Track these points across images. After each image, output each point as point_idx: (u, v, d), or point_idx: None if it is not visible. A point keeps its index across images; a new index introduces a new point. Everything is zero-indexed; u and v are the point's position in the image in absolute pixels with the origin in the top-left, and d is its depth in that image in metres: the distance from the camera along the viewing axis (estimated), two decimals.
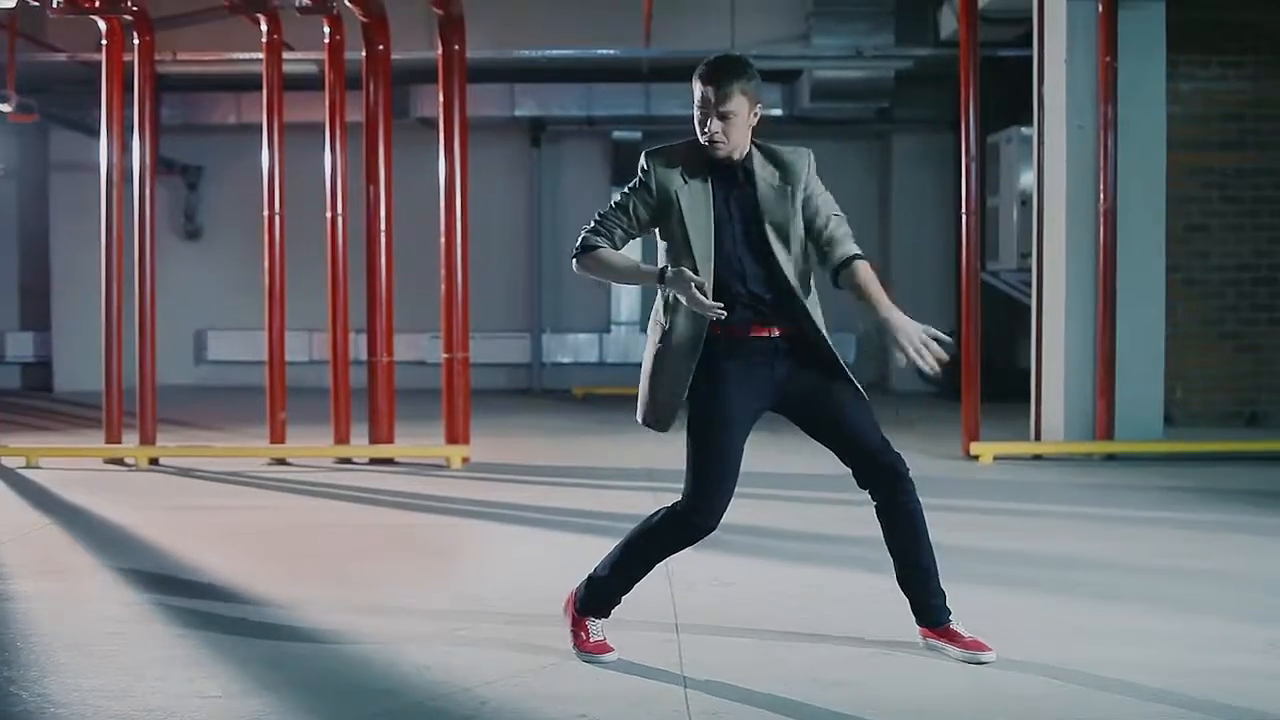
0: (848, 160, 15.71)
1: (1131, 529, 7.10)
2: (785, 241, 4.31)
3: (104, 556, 6.37)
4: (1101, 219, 9.62)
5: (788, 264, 4.30)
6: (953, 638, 4.50)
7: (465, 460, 9.42)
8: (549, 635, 4.82)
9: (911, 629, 4.65)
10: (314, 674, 4.44)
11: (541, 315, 16.41)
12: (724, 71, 4.25)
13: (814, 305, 4.38)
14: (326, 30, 9.66)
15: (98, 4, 9.41)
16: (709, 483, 4.36)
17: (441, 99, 9.60)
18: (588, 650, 4.52)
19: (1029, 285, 10.46)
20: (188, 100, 15.37)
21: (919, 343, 4.16)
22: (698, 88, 4.28)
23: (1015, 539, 6.72)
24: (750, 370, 4.33)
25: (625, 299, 16.37)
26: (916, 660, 4.52)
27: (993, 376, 11.18)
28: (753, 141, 4.35)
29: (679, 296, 4.19)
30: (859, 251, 4.36)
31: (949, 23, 12.94)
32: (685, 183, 4.31)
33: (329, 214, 9.65)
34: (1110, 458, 9.57)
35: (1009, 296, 12.65)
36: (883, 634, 4.83)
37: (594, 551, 6.39)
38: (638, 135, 16.20)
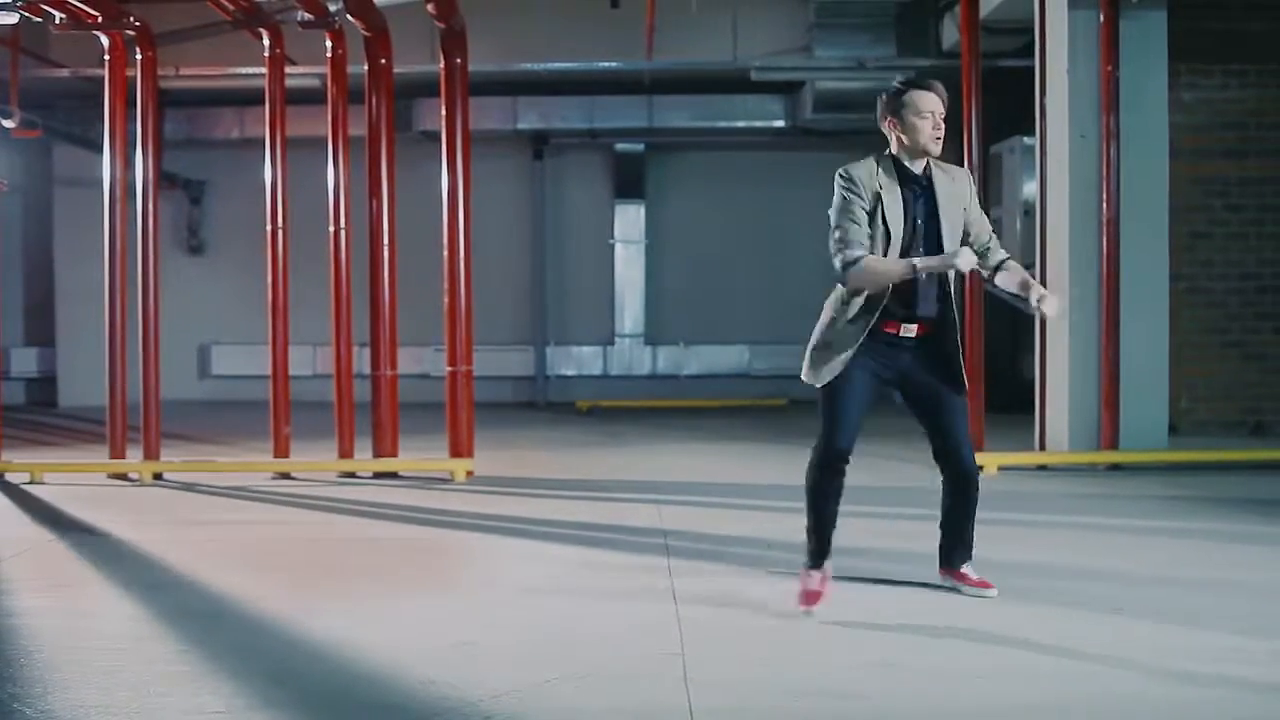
0: None
1: (1136, 539, 7.09)
2: (954, 241, 5.25)
3: (108, 571, 6.37)
4: (1104, 228, 9.62)
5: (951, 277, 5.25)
6: (962, 578, 5.55)
7: (469, 474, 9.41)
8: (554, 649, 4.82)
9: (917, 639, 4.67)
10: (319, 688, 4.43)
11: (545, 328, 16.41)
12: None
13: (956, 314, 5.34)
14: (329, 44, 9.68)
15: (100, 19, 9.43)
16: (832, 425, 5.27)
17: (444, 112, 9.61)
18: (805, 602, 5.29)
19: None
20: (191, 115, 15.42)
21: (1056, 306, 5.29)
22: (933, 99, 5.21)
23: (1020, 550, 6.71)
24: (880, 350, 5.27)
25: (629, 311, 16.38)
26: (922, 673, 4.51)
27: (997, 387, 11.17)
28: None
29: (945, 268, 5.14)
30: (1008, 255, 5.45)
31: (951, 33, 12.96)
32: (882, 186, 5.21)
33: (332, 228, 9.66)
34: (1115, 468, 9.55)
35: (1013, 307, 12.63)
36: (888, 646, 4.83)
37: (600, 564, 6.40)
38: (640, 147, 16.24)
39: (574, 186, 16.60)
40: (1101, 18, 9.57)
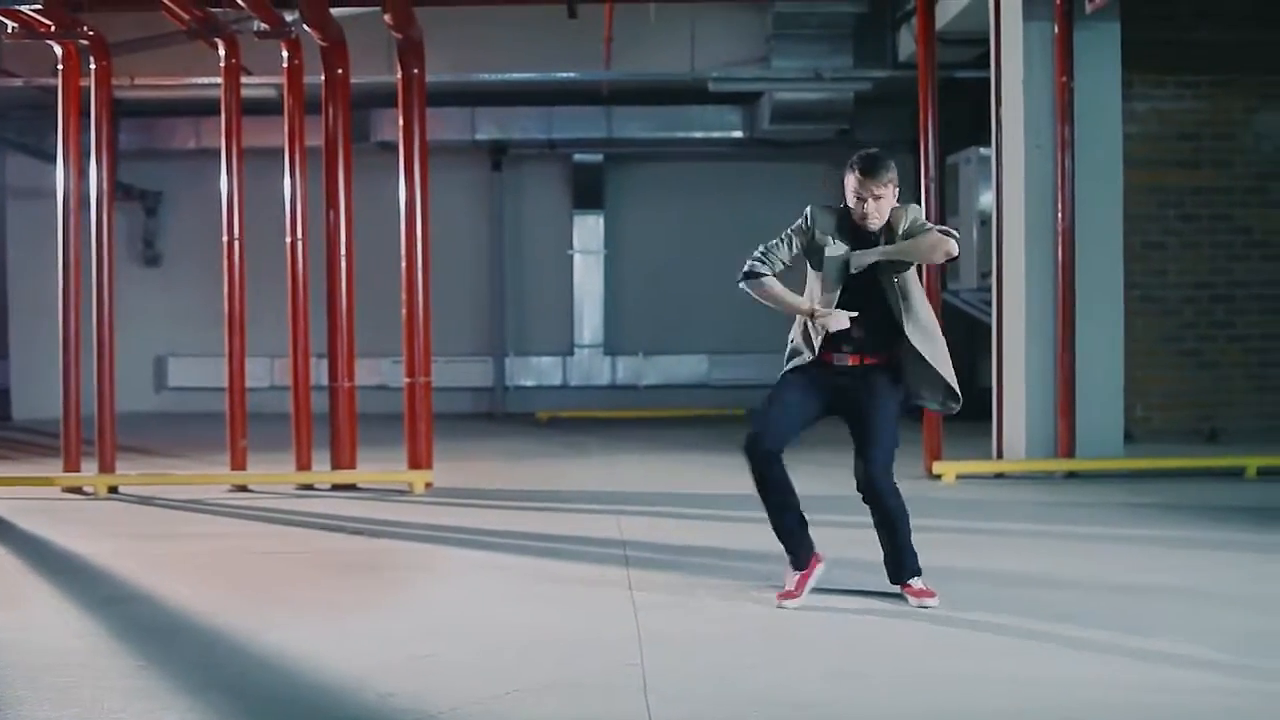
0: (808, 181, 15.78)
1: (1093, 546, 7.13)
2: (893, 287, 5.47)
3: (62, 586, 6.31)
4: (1060, 238, 9.69)
5: (897, 306, 5.48)
6: (907, 589, 5.65)
7: (428, 485, 9.38)
8: (513, 661, 4.80)
9: (878, 648, 4.73)
10: (276, 703, 4.40)
11: (504, 338, 16.38)
12: (879, 166, 5.46)
13: (922, 339, 5.50)
14: (285, 55, 9.63)
15: (53, 29, 9.35)
16: (764, 418, 5.61)
17: (401, 123, 9.59)
18: (779, 596, 5.65)
19: (989, 304, 10.52)
20: (146, 125, 15.31)
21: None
22: (851, 181, 5.47)
23: (978, 557, 6.74)
24: (822, 377, 5.61)
25: (588, 323, 16.38)
26: (882, 681, 4.52)
27: None
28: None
29: (818, 325, 5.52)
30: (940, 230, 5.49)
31: (907, 44, 13.03)
32: (834, 234, 5.53)
33: (289, 239, 9.61)
34: (1072, 475, 9.61)
35: (970, 316, 12.72)
36: (848, 656, 4.84)
37: (559, 576, 6.39)
38: (599, 158, 16.25)
39: (532, 197, 16.59)
40: (1056, 29, 9.65)
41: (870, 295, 5.51)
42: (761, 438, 5.56)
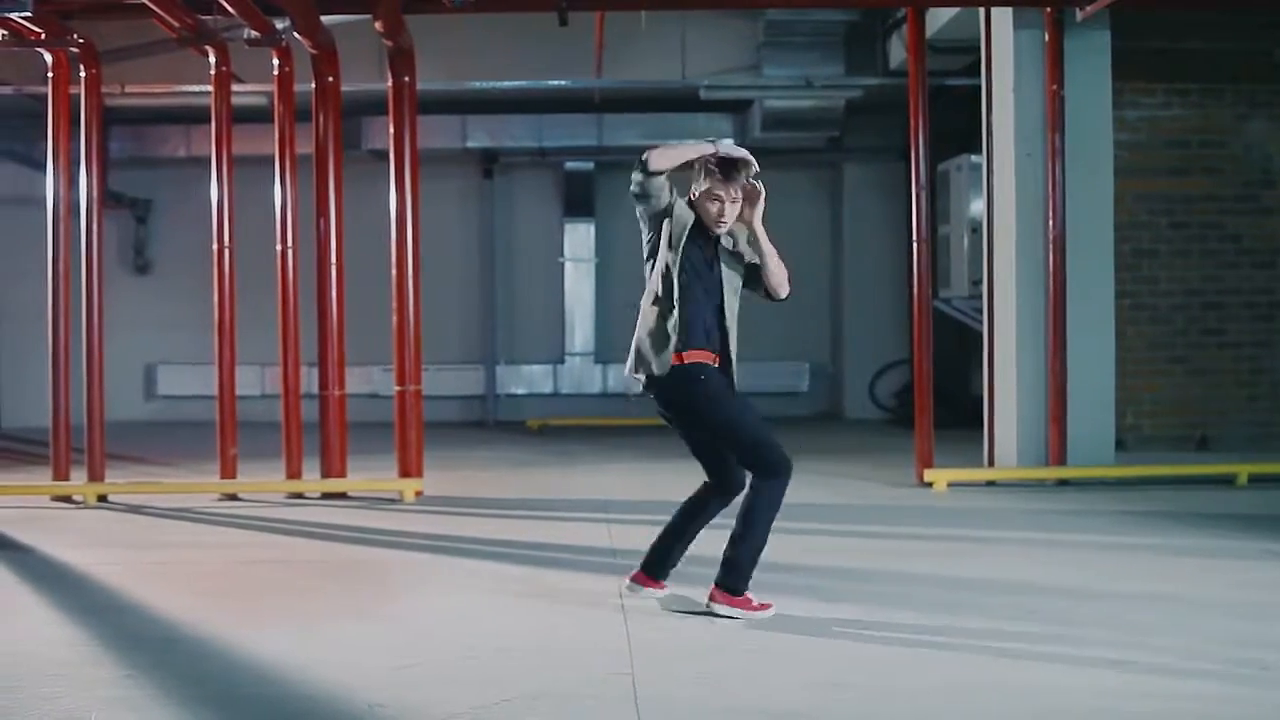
0: (799, 189, 15.82)
1: (1085, 554, 7.12)
2: (734, 290, 5.56)
3: (50, 596, 6.28)
4: (1051, 246, 9.70)
5: (731, 305, 5.55)
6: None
7: (418, 493, 9.36)
8: (504, 670, 4.78)
9: (865, 658, 4.72)
10: (264, 714, 4.38)
11: (495, 347, 16.36)
12: (739, 170, 5.43)
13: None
14: (276, 62, 9.62)
15: (43, 36, 9.33)
16: (770, 439, 5.59)
17: (392, 131, 9.58)
18: (755, 610, 5.47)
19: (981, 312, 10.52)
20: (136, 133, 15.27)
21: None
22: (716, 179, 5.42)
23: (969, 565, 6.73)
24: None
25: (579, 331, 16.36)
26: (868, 691, 4.51)
27: (946, 404, 11.22)
28: None
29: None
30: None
31: (898, 52, 13.04)
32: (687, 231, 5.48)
33: (279, 247, 9.59)
34: (1063, 483, 9.62)
35: (961, 324, 12.71)
36: (835, 666, 4.83)
37: (549, 584, 6.37)
38: (590, 166, 16.23)
39: (523, 205, 16.58)
40: (1046, 37, 9.66)
41: (718, 296, 5.53)
42: (786, 455, 5.57)
